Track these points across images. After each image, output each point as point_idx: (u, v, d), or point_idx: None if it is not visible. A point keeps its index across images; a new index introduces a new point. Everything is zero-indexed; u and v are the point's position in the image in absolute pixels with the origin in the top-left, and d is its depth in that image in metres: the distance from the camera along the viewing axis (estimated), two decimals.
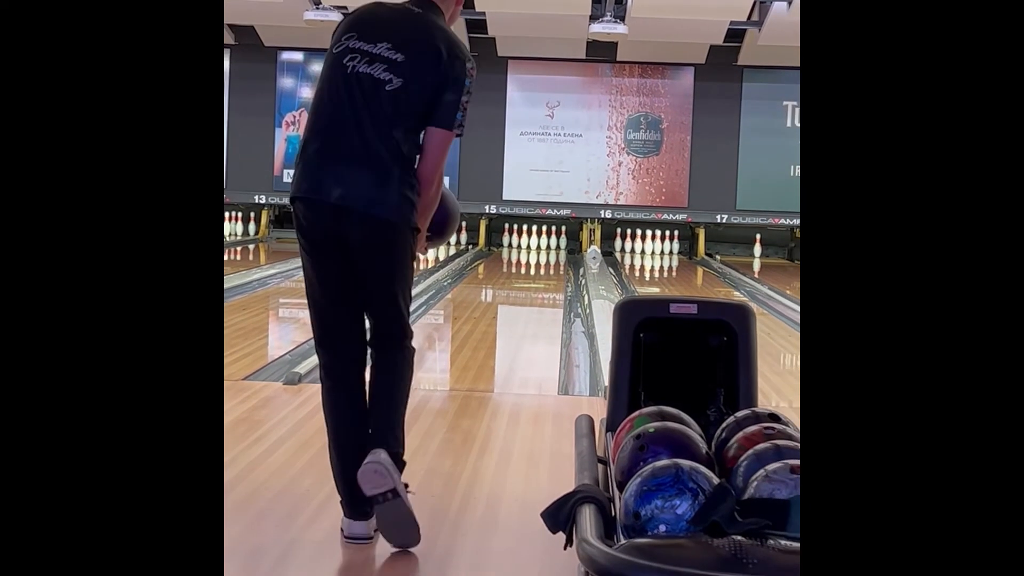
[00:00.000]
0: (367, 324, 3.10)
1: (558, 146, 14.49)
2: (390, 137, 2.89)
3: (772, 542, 1.94)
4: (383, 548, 3.02)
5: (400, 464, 2.96)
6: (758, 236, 14.60)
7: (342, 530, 3.01)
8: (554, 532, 2.34)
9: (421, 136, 2.97)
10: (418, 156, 2.98)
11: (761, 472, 2.18)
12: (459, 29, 13.03)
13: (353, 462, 2.95)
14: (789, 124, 14.33)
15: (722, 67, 14.11)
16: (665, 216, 14.38)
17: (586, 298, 9.23)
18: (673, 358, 3.13)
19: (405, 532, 2.93)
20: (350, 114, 2.90)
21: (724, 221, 14.32)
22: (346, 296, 2.98)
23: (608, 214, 14.38)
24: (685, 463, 2.18)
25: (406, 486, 2.97)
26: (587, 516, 2.19)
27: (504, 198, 14.38)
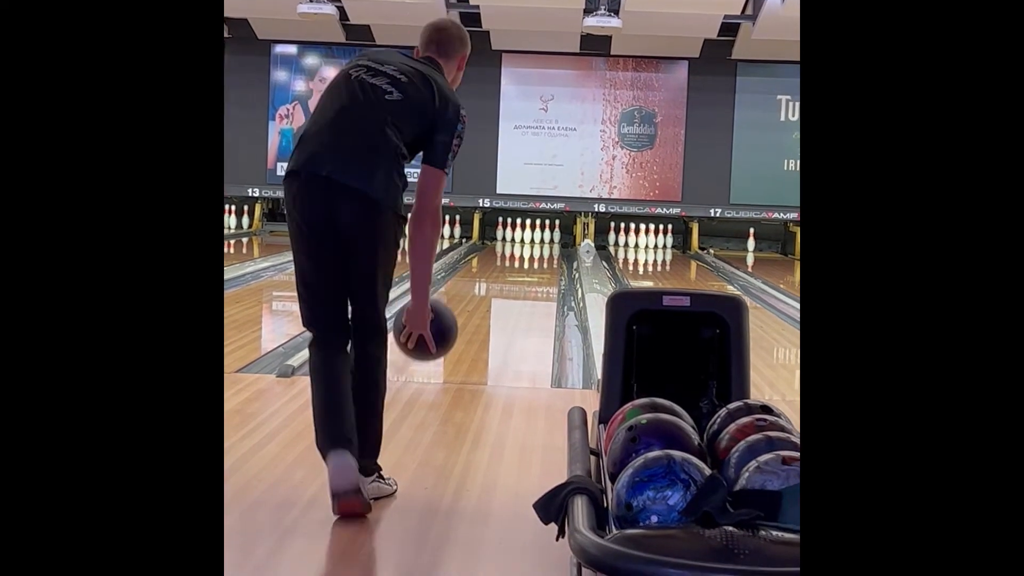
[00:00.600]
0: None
1: (552, 140, 14.49)
2: (384, 132, 3.08)
3: (764, 533, 1.94)
4: (377, 541, 3.02)
5: (373, 470, 3.23)
6: (752, 230, 14.62)
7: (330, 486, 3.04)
8: (546, 523, 2.35)
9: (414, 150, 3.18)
10: (406, 159, 3.15)
11: (753, 463, 2.18)
12: None
13: (335, 412, 3.08)
14: (783, 118, 14.34)
15: (716, 61, 14.11)
16: (659, 210, 14.40)
17: (579, 292, 9.23)
18: (666, 350, 3.13)
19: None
20: (349, 108, 3.12)
21: (718, 215, 14.34)
22: (333, 277, 3.10)
23: (602, 208, 14.39)
24: (677, 454, 2.18)
25: (380, 475, 3.26)
26: (579, 507, 2.19)
27: (498, 192, 14.39)
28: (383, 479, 3.28)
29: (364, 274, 3.11)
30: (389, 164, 3.06)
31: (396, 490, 3.31)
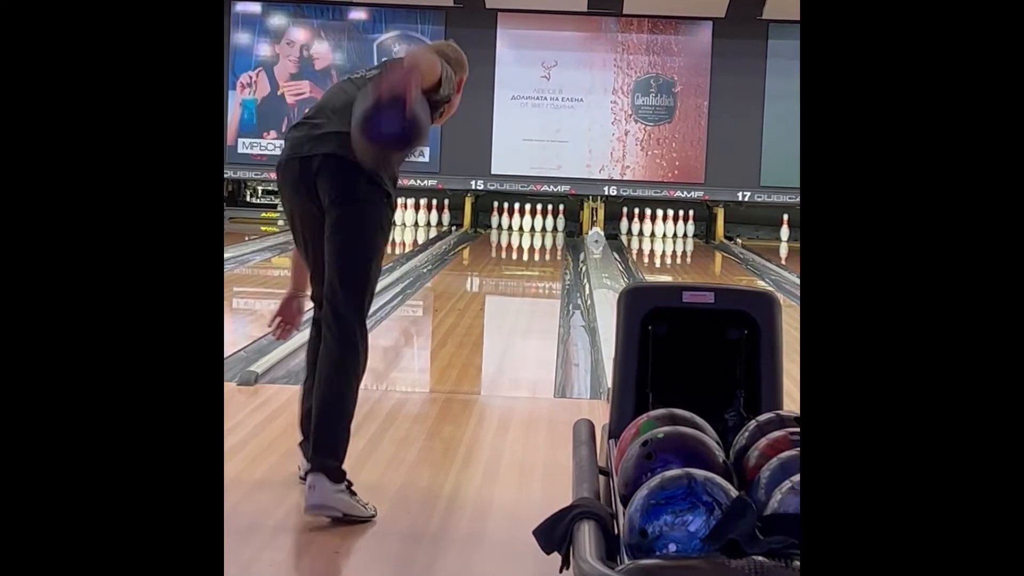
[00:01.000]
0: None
1: (555, 112, 14.49)
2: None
3: (798, 563, 1.95)
4: (353, 572, 3.02)
5: (339, 476, 3.28)
6: (785, 217, 14.63)
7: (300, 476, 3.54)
8: (548, 553, 2.35)
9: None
10: None
11: (787, 483, 2.19)
12: None
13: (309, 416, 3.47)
14: None
15: (745, 21, 14.12)
16: (678, 193, 14.41)
17: (587, 287, 9.25)
18: (686, 354, 3.14)
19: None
20: (330, 98, 3.54)
21: (746, 199, 14.35)
22: (319, 260, 3.43)
23: (613, 191, 14.40)
24: (699, 473, 2.19)
25: (349, 485, 3.31)
26: (586, 534, 2.20)
27: (493, 172, 14.39)
28: (354, 495, 3.31)
29: (339, 251, 3.35)
30: None
31: (374, 515, 3.32)
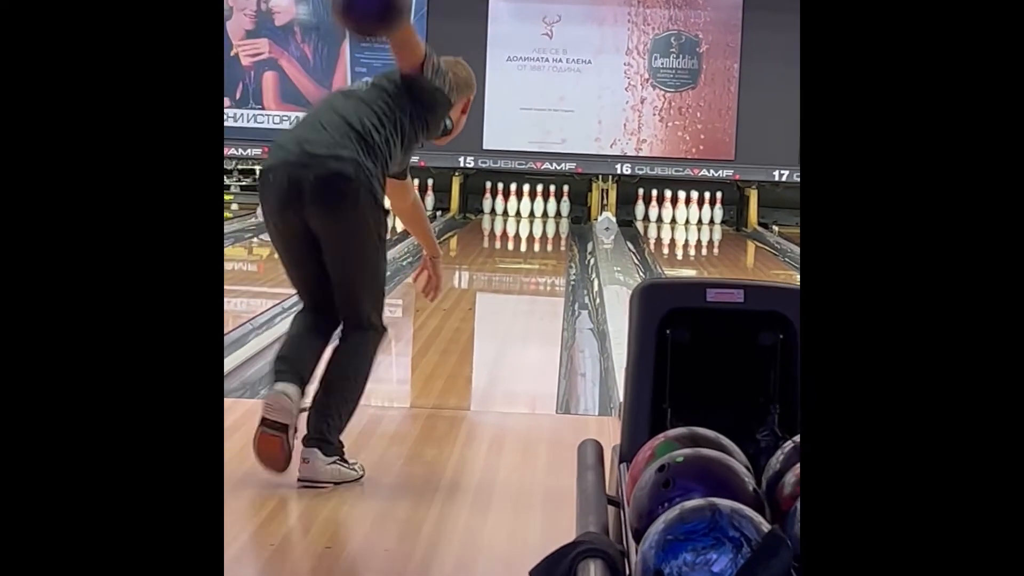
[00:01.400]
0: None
1: (559, 77, 14.49)
2: (357, 113, 3.93)
3: None
4: None
5: (333, 450, 3.90)
6: None
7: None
8: None
9: (393, 138, 4.00)
10: (386, 151, 3.95)
11: None
12: None
13: (290, 350, 4.00)
14: None
15: None
16: (704, 172, 14.41)
17: (596, 284, 9.26)
18: (711, 363, 3.15)
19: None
20: (319, 107, 4.16)
21: (784, 179, 14.34)
22: (312, 277, 3.98)
23: (627, 169, 14.40)
24: (725, 504, 2.20)
25: (343, 458, 3.95)
26: (592, 574, 2.21)
27: (485, 148, 14.38)
28: (346, 462, 3.92)
29: (341, 267, 3.93)
30: (360, 142, 3.86)
31: (362, 476, 3.94)
